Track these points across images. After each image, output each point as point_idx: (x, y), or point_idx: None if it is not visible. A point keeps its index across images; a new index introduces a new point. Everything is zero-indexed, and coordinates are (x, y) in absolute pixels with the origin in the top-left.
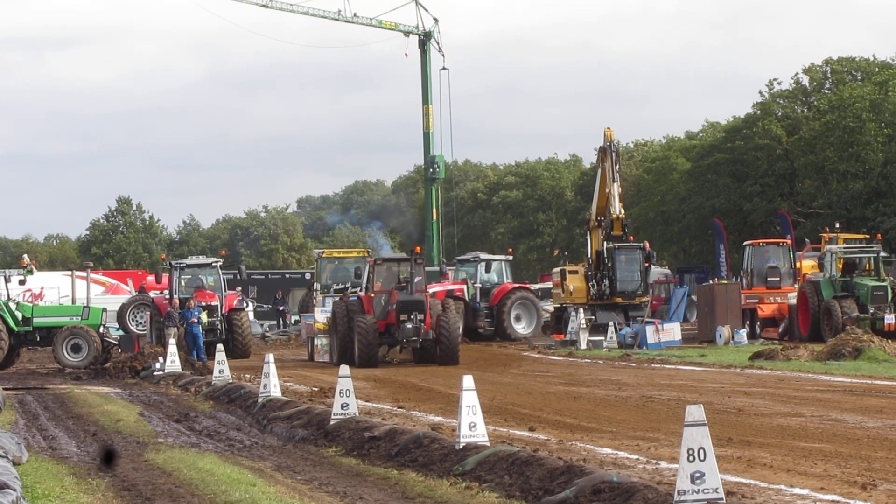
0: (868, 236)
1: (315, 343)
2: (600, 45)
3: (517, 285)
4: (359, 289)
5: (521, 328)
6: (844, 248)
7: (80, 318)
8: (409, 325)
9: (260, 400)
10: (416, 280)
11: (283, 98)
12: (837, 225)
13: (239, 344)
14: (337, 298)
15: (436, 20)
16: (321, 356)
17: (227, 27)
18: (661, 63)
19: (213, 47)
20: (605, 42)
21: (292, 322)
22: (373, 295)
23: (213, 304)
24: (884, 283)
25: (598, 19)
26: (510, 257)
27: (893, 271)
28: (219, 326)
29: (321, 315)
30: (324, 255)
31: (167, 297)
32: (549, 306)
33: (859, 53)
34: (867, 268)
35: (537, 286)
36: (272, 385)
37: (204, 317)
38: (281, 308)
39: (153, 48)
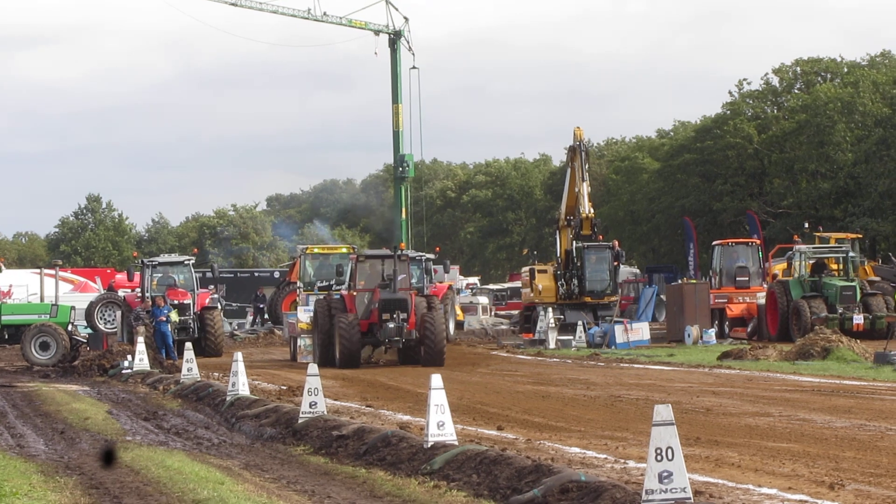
0: (860, 235)
1: (298, 343)
2: (569, 45)
3: (446, 285)
4: (343, 287)
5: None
6: (814, 248)
7: (48, 315)
8: (392, 325)
9: (228, 398)
10: (399, 278)
11: (252, 97)
12: (807, 225)
13: (211, 343)
14: (321, 296)
15: (406, 19)
16: (304, 357)
17: (195, 26)
18: (630, 63)
19: (181, 46)
20: (574, 42)
21: (258, 322)
22: (355, 293)
23: (185, 302)
24: (852, 284)
25: (566, 19)
26: (433, 256)
27: (887, 271)
28: (191, 325)
29: (304, 314)
30: (307, 252)
31: (139, 294)
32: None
33: (825, 54)
34: (835, 267)
35: (507, 285)
36: (240, 383)
37: (174, 315)
38: (261, 306)
39: (121, 46)
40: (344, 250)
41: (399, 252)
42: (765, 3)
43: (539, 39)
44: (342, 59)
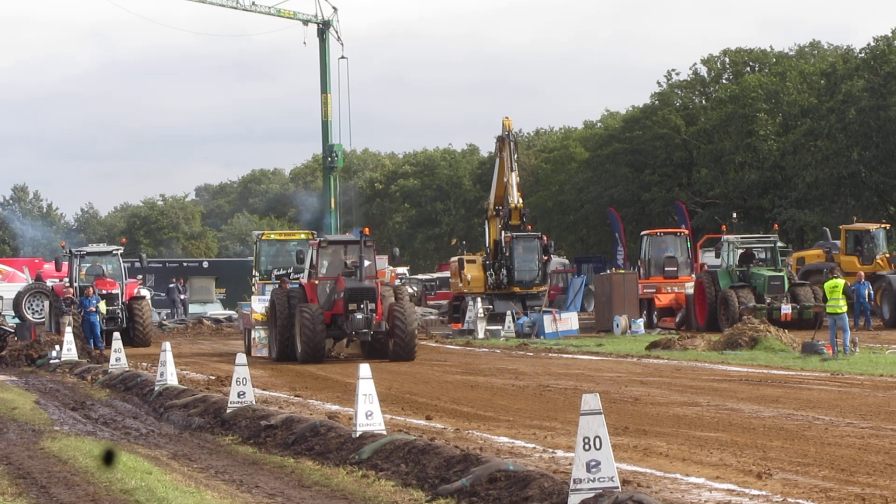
0: (889, 225)
1: (252, 336)
2: (493, 36)
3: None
4: (301, 275)
5: None
6: (742, 237)
7: None
8: (359, 316)
9: (156, 388)
10: (365, 265)
11: (178, 87)
12: (735, 215)
13: (139, 332)
14: (277, 285)
15: (335, 9)
16: (259, 350)
17: (119, 15)
18: (555, 54)
19: (104, 36)
20: (498, 33)
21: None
22: (317, 282)
23: (113, 292)
24: (780, 274)
25: (491, 10)
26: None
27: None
28: (119, 315)
29: (259, 304)
30: (263, 238)
31: (67, 284)
32: None
33: (747, 45)
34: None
35: (436, 275)
36: (169, 373)
37: (102, 306)
38: (183, 297)
39: (44, 36)
40: (303, 236)
41: (364, 237)
42: None
43: (464, 30)
44: (269, 49)
